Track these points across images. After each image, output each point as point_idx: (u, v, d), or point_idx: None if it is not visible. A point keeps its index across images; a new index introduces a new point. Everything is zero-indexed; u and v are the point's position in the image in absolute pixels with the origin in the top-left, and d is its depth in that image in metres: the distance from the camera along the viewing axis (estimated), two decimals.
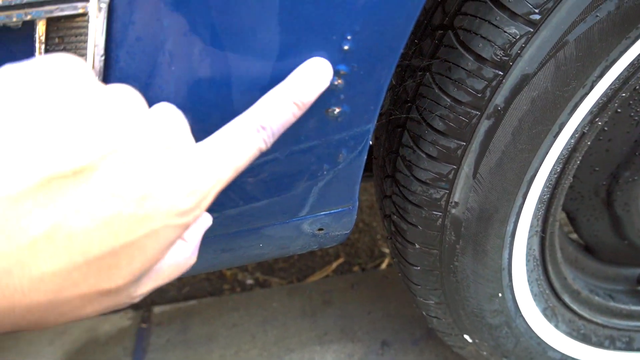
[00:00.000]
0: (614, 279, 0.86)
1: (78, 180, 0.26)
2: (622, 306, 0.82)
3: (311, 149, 0.47)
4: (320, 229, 0.58)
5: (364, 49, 0.40)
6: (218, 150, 0.32)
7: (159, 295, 1.22)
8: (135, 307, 1.16)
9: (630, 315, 0.82)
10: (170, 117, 0.30)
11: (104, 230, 0.27)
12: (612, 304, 0.81)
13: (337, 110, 0.44)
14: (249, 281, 1.27)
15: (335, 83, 0.42)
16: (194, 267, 0.63)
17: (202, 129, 0.43)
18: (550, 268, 0.72)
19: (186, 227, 0.30)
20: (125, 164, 0.27)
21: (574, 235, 0.86)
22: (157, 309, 1.15)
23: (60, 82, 0.27)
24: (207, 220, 0.40)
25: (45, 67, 0.27)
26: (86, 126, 0.26)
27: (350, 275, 1.24)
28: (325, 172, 0.50)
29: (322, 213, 0.55)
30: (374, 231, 1.39)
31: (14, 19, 0.34)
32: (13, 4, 0.34)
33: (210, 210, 0.41)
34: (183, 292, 1.23)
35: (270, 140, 0.35)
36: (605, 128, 0.68)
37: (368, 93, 0.44)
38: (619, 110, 0.66)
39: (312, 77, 0.38)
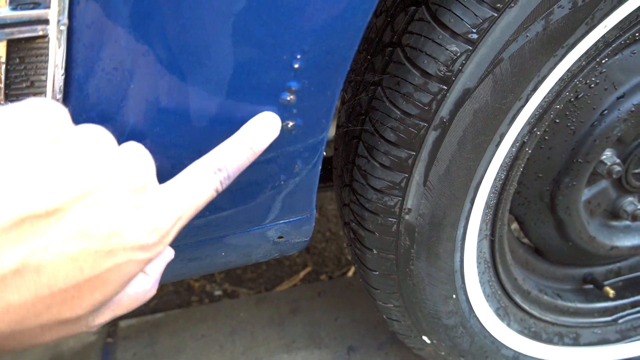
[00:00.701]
0: (561, 278, 0.91)
1: (50, 220, 0.28)
2: (569, 304, 0.87)
3: (269, 160, 0.50)
4: (281, 237, 0.60)
5: (313, 67, 0.44)
6: (179, 191, 0.35)
7: None
8: None
9: (576, 313, 0.88)
10: (137, 159, 0.32)
11: (70, 265, 0.28)
12: (560, 302, 0.86)
13: (291, 124, 0.47)
14: (217, 292, 1.28)
15: (288, 99, 0.45)
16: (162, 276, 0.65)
17: (163, 141, 0.45)
18: (500, 270, 0.76)
19: (148, 261, 0.32)
20: (94, 204, 0.29)
21: (526, 239, 0.91)
22: (123, 323, 1.14)
23: (37, 128, 0.28)
24: (169, 254, 0.42)
25: (21, 113, 0.29)
26: (60, 170, 0.28)
27: (318, 284, 1.26)
28: (282, 182, 0.53)
29: (281, 221, 0.58)
30: (341, 240, 1.42)
31: None
32: None
33: None
34: (151, 305, 1.23)
35: (226, 182, 0.38)
36: (546, 137, 0.73)
37: (319, 107, 0.47)
38: (557, 120, 0.71)
39: (264, 128, 0.43)
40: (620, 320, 0.88)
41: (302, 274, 1.31)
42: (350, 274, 1.31)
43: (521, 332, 0.83)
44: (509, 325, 0.81)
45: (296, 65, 0.43)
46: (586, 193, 0.79)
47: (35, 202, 0.27)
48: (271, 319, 1.14)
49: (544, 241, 0.85)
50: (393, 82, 0.57)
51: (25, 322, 0.29)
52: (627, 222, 0.86)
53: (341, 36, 0.43)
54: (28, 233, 0.27)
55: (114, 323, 1.15)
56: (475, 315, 0.77)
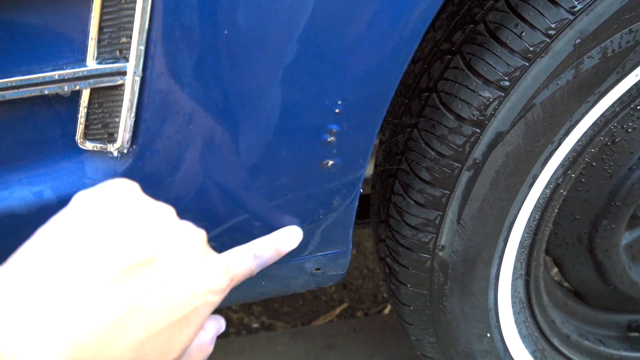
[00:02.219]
0: (604, 324, 0.89)
1: (147, 267, 0.35)
2: (613, 352, 0.85)
3: (309, 195, 0.54)
4: (318, 269, 0.63)
5: (352, 112, 0.48)
6: (232, 256, 0.46)
7: None
8: None
9: None
10: (195, 229, 0.40)
11: (166, 306, 0.35)
12: (602, 348, 0.84)
13: (331, 162, 0.51)
14: (255, 325, 1.31)
15: (329, 139, 0.49)
16: None
17: (214, 172, 0.50)
18: (537, 311, 0.76)
19: (215, 304, 0.39)
20: (175, 256, 0.37)
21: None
22: None
23: (126, 201, 0.37)
24: (222, 324, 0.48)
25: (113, 192, 0.37)
26: (148, 231, 0.36)
27: (354, 320, 1.27)
28: (321, 217, 0.56)
29: (319, 254, 0.61)
30: (378, 277, 1.42)
31: (66, 89, 0.43)
32: (66, 77, 0.42)
33: (224, 248, 0.48)
34: None
35: (257, 269, 0.49)
36: (583, 179, 0.74)
37: (357, 147, 0.51)
38: (593, 163, 0.72)
39: (290, 237, 0.55)
40: None
41: (338, 310, 1.32)
42: (386, 311, 1.31)
43: None
44: None
45: (337, 110, 0.47)
46: (627, 237, 0.78)
47: (137, 254, 0.34)
48: (307, 354, 1.15)
49: (584, 284, 0.84)
50: (428, 125, 0.61)
51: None
52: None
53: (379, 85, 0.47)
54: (133, 279, 0.34)
55: None
56: (511, 356, 0.76)
